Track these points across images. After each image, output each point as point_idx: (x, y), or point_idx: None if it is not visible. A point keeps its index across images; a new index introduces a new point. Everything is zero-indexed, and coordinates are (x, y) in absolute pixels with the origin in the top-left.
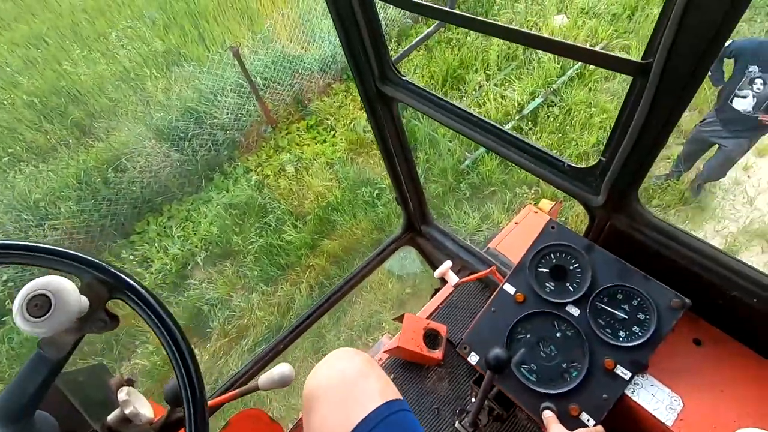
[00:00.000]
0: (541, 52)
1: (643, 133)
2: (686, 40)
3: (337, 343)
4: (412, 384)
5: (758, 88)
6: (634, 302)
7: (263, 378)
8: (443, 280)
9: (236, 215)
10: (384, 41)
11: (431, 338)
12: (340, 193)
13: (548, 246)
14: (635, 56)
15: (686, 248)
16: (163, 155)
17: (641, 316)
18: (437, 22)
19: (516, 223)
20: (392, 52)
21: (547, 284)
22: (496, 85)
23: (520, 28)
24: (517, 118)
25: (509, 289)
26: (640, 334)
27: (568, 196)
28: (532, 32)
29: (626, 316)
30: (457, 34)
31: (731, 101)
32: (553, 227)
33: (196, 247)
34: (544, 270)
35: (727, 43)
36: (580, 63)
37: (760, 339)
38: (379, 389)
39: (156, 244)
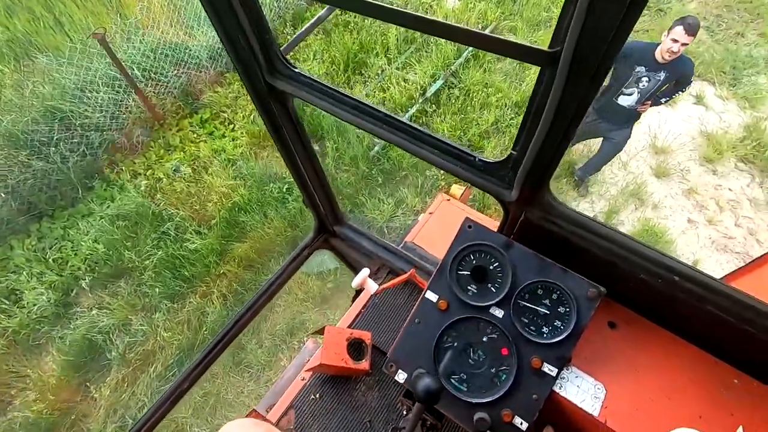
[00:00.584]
0: None
1: (554, 123)
2: (594, 26)
3: (259, 351)
4: (341, 400)
5: (643, 85)
6: (554, 296)
7: None
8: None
9: (126, 227)
10: (268, 28)
11: (356, 348)
12: (246, 192)
13: (467, 247)
14: (521, 37)
15: (598, 237)
16: (20, 165)
17: (562, 309)
18: (327, 6)
19: (430, 213)
20: (284, 39)
21: (469, 287)
22: (397, 68)
23: (426, 16)
24: (420, 101)
25: (431, 296)
26: (562, 328)
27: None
28: (440, 20)
29: (548, 311)
30: (354, 17)
31: (617, 99)
32: (469, 227)
33: (79, 269)
34: (465, 273)
35: None
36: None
37: (666, 316)
38: None
39: (25, 272)
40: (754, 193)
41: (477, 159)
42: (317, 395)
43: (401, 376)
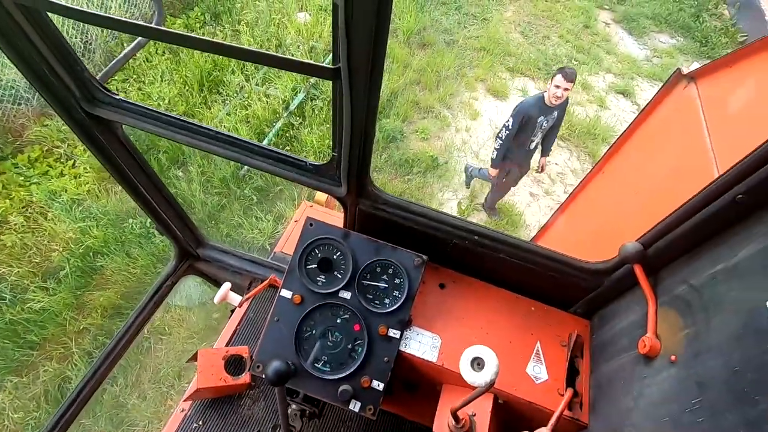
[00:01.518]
0: (292, 48)
1: (353, 126)
2: (357, 46)
3: (143, 405)
4: (226, 419)
5: (544, 127)
6: (390, 271)
7: None
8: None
9: None
10: (76, 58)
11: (235, 364)
12: (101, 233)
13: (311, 243)
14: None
15: (416, 215)
16: None
17: (397, 280)
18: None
19: (296, 221)
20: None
21: (318, 278)
22: (257, 84)
23: (223, 42)
24: (285, 115)
25: (286, 294)
26: (398, 296)
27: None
28: (236, 45)
29: (386, 285)
30: (203, 33)
31: (528, 147)
32: (311, 224)
33: None
34: (313, 266)
35: (514, 111)
36: (330, 57)
37: (478, 269)
38: None
39: None
40: (573, 165)
41: (308, 164)
42: (200, 422)
43: None
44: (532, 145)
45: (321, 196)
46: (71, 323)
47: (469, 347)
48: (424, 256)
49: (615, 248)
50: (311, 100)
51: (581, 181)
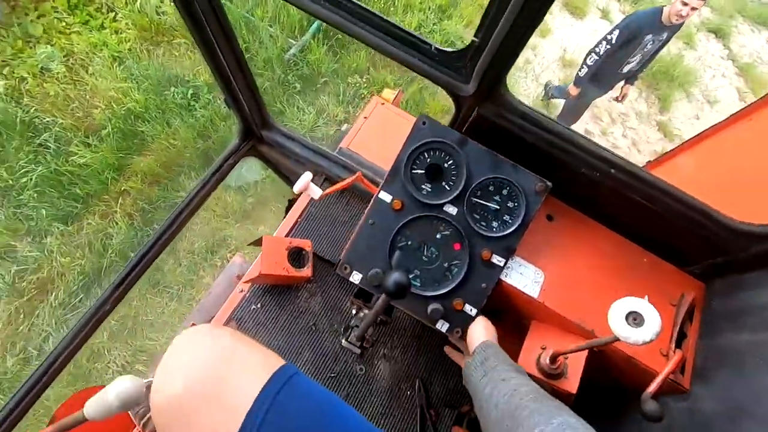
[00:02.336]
0: None
1: (523, 10)
2: None
3: (178, 271)
4: (282, 307)
5: (647, 49)
6: (504, 192)
7: (94, 405)
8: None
9: None
10: None
11: (296, 256)
12: (141, 97)
13: (422, 145)
14: None
15: (546, 132)
16: None
17: (511, 204)
18: None
19: (365, 117)
20: None
21: (423, 186)
22: None
23: None
24: None
25: (385, 197)
26: (510, 221)
27: (434, 83)
28: None
29: (498, 207)
30: None
31: (621, 69)
32: (424, 123)
33: None
34: (420, 171)
35: (622, 23)
36: None
37: (596, 207)
38: (252, 369)
39: None
40: (639, 107)
41: (433, 47)
42: (258, 305)
43: (356, 277)
44: (626, 68)
45: (388, 93)
46: (113, 183)
47: (622, 299)
48: (549, 183)
49: (756, 207)
50: None
51: (720, 122)
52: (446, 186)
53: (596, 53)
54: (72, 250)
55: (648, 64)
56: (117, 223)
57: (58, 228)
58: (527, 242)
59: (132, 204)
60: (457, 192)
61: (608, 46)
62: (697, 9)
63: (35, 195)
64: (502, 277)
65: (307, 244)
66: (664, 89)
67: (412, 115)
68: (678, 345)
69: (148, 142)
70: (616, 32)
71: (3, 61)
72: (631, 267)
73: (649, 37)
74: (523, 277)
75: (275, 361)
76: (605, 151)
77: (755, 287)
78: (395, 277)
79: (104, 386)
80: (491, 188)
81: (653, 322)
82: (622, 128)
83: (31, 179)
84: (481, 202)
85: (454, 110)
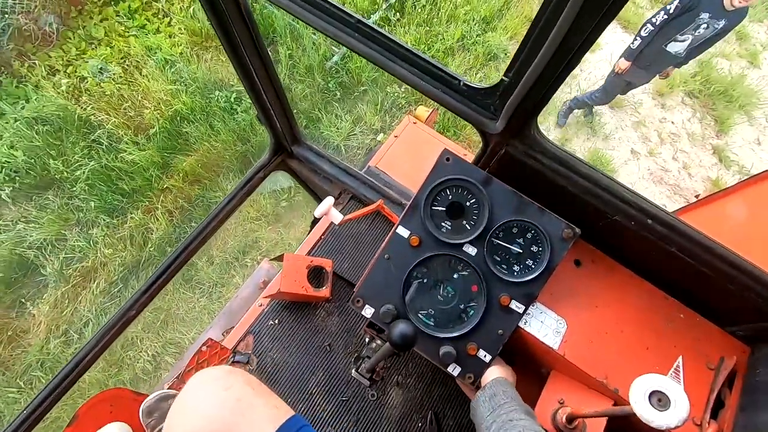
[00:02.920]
0: None
1: (556, 54)
2: None
3: (210, 269)
4: (300, 324)
5: (699, 32)
6: (529, 235)
7: None
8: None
9: (49, 133)
10: None
11: (316, 275)
12: (188, 99)
13: (444, 182)
14: None
15: (579, 176)
16: None
17: (535, 248)
18: None
19: (396, 136)
20: None
21: (443, 224)
22: None
23: None
24: (384, 6)
25: (403, 232)
26: (533, 267)
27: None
28: None
29: (521, 250)
30: None
31: (666, 46)
32: (448, 159)
33: None
34: (440, 208)
35: None
36: None
37: (630, 255)
38: (261, 422)
39: None
40: (692, 128)
41: (461, 83)
42: (276, 321)
43: (368, 311)
44: (673, 48)
45: (422, 111)
46: (156, 181)
47: (646, 375)
48: (577, 229)
49: None
50: None
51: None
52: (467, 225)
53: (652, 24)
54: (115, 242)
55: (696, 54)
56: (158, 219)
57: (104, 220)
58: (551, 287)
59: (173, 201)
60: (478, 232)
61: (665, 16)
62: None
63: (86, 188)
64: (521, 325)
65: (327, 264)
66: (721, 110)
67: (445, 136)
68: (714, 415)
69: (191, 143)
70: (676, 2)
71: (67, 61)
72: (666, 322)
73: (705, 16)
74: (544, 325)
75: (284, 414)
76: (643, 201)
77: None
78: (401, 329)
79: (127, 389)
80: (515, 230)
81: (681, 406)
82: (673, 150)
83: (83, 173)
84: (503, 244)
85: (482, 146)
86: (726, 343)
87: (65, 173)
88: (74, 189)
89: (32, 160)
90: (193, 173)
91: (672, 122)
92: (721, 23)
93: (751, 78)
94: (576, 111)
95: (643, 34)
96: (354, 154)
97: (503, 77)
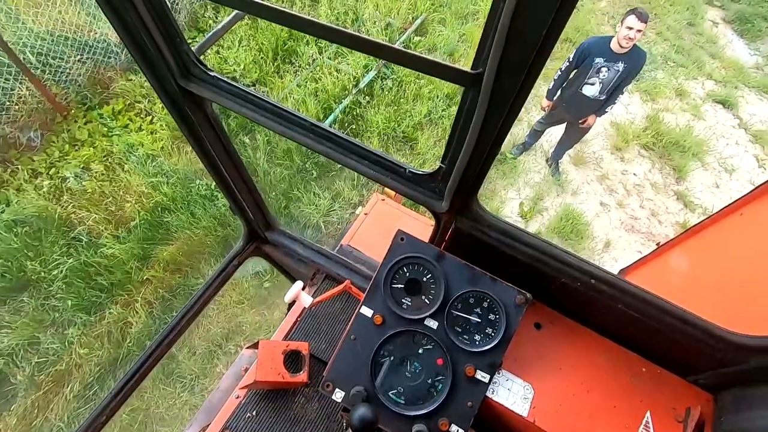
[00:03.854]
0: (368, 23)
1: (479, 141)
2: (514, 52)
3: (192, 359)
4: (278, 415)
5: (603, 76)
6: (485, 304)
7: None
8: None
9: (27, 234)
10: (178, 29)
11: (293, 359)
12: (169, 190)
13: (400, 260)
14: (450, 29)
15: (524, 245)
16: None
17: (492, 317)
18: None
19: (366, 214)
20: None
21: (403, 300)
22: (329, 58)
23: (343, 29)
24: (354, 92)
25: (366, 312)
26: (493, 335)
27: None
28: (359, 34)
29: (480, 320)
30: (283, 2)
31: (581, 89)
32: (402, 239)
33: None
34: (399, 286)
35: (581, 44)
36: (405, 36)
37: (584, 314)
38: None
39: None
40: (654, 178)
41: (407, 170)
42: (253, 413)
43: (338, 395)
44: (587, 91)
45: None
46: (136, 272)
47: None
48: (529, 295)
49: (752, 315)
50: (381, 80)
51: (707, 218)
52: (426, 300)
53: (560, 70)
54: (91, 340)
55: (614, 96)
56: (137, 312)
57: (81, 318)
58: (515, 353)
59: (153, 292)
60: (437, 305)
61: (566, 63)
62: (641, 32)
63: (63, 286)
64: (489, 394)
65: (304, 347)
66: (677, 159)
67: (413, 209)
68: None
69: (172, 232)
70: (573, 53)
71: (50, 163)
72: (630, 378)
73: (601, 61)
74: (511, 393)
75: None
76: (584, 263)
77: (762, 405)
78: (360, 413)
79: None
80: (471, 301)
81: None
82: (639, 199)
83: (61, 271)
84: (462, 315)
85: (434, 224)
86: (689, 393)
87: (42, 273)
88: (51, 288)
89: (8, 263)
90: (174, 262)
91: (634, 174)
92: (620, 65)
93: (698, 129)
94: (544, 170)
95: (555, 77)
96: (335, 229)
97: (441, 164)
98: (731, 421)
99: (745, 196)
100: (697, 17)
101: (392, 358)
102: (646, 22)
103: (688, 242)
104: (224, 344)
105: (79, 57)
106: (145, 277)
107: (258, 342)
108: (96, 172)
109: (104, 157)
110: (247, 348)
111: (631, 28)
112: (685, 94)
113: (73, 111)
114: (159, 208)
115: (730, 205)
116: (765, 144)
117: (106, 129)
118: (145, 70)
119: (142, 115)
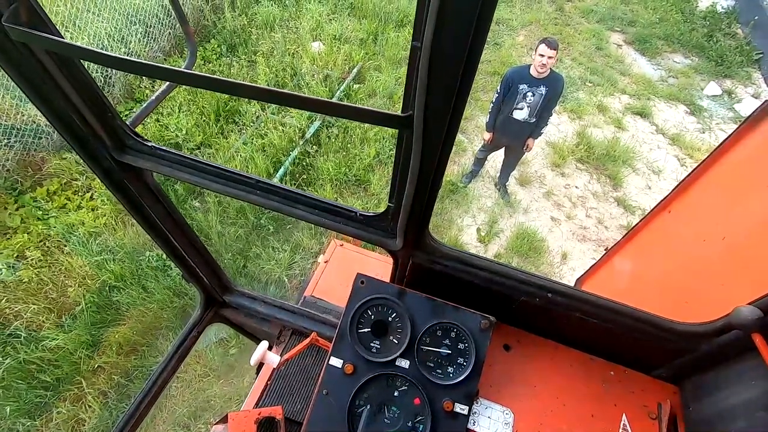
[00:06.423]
0: (307, 76)
1: (420, 178)
2: (437, 95)
3: None
4: None
5: (530, 100)
6: (452, 334)
7: None
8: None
9: None
10: (109, 105)
11: (268, 426)
12: (117, 267)
13: (363, 303)
14: (386, 74)
15: (479, 269)
16: None
17: (461, 345)
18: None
19: (326, 261)
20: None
21: (372, 344)
22: (273, 113)
23: (273, 89)
24: (301, 143)
25: (336, 362)
26: (465, 364)
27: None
28: (289, 92)
29: (449, 351)
30: (219, 66)
31: (512, 114)
32: (362, 282)
33: None
34: (366, 330)
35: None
36: (345, 85)
37: (547, 328)
38: None
39: None
40: (594, 188)
41: (358, 214)
42: None
43: None
44: (518, 115)
45: None
46: (85, 362)
47: None
48: (492, 318)
49: (693, 303)
50: (327, 128)
51: (641, 220)
52: (394, 340)
53: (492, 102)
54: None
55: (544, 117)
56: (89, 406)
57: (23, 425)
58: (489, 379)
59: (106, 380)
60: (406, 343)
61: (496, 95)
62: (553, 59)
63: (1, 392)
64: (470, 426)
65: (277, 411)
66: (611, 168)
67: (370, 251)
68: None
69: (123, 311)
70: (499, 85)
71: None
72: (600, 383)
73: (523, 86)
74: (492, 420)
75: None
76: (538, 278)
77: (718, 388)
78: None
79: None
80: (439, 333)
81: None
82: (584, 209)
83: None
84: (432, 349)
85: (393, 263)
86: (656, 388)
87: None
88: None
89: None
90: (128, 343)
91: (576, 186)
92: (542, 89)
93: (623, 139)
94: (495, 194)
95: (489, 110)
96: (299, 281)
97: (389, 204)
98: (697, 409)
99: (669, 194)
100: (603, 42)
101: (369, 406)
102: (555, 49)
103: (628, 245)
104: (192, 424)
105: (6, 141)
106: (96, 365)
107: (226, 416)
108: (32, 259)
109: (40, 242)
110: (216, 424)
111: (543, 56)
112: (606, 110)
113: (2, 198)
114: (107, 288)
115: (658, 204)
116: (681, 145)
117: (40, 212)
118: (78, 150)
119: (80, 193)
